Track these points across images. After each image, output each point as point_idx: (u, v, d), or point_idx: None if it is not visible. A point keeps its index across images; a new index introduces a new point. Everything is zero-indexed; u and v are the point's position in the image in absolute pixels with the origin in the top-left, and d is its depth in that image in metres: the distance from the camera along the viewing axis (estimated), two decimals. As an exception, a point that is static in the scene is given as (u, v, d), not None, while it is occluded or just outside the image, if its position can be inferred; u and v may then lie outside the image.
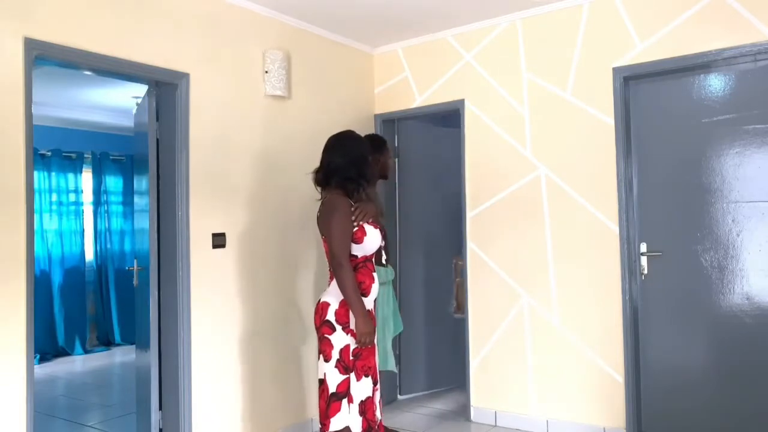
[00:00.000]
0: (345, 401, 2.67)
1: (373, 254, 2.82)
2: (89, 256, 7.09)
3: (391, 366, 3.57)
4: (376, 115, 4.65)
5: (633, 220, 3.61)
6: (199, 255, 3.38)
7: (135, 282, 3.65)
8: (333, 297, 2.73)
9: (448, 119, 4.62)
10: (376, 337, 2.80)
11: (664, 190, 3.56)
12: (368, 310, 2.73)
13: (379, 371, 3.53)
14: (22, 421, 2.65)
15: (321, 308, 2.75)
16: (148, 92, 3.39)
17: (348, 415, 2.67)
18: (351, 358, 2.68)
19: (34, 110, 2.74)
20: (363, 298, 2.70)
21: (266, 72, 3.76)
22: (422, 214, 4.78)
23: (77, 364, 6.36)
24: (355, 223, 2.72)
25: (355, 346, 2.68)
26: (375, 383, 2.79)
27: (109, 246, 7.21)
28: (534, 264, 3.91)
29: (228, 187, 3.55)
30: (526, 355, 3.94)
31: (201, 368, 3.37)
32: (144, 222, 3.50)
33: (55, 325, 6.59)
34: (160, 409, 3.35)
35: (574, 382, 3.75)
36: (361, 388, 2.70)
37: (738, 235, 3.34)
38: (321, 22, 4.07)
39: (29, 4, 2.72)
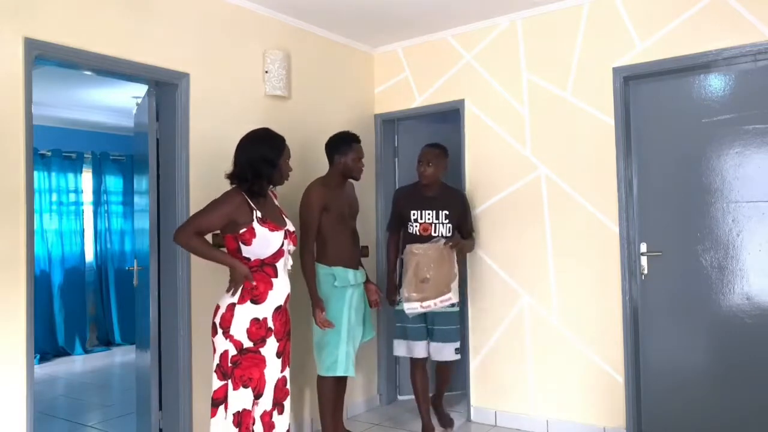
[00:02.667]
0: (222, 408, 2.60)
1: (273, 258, 2.67)
2: (89, 256, 7.09)
3: (350, 372, 3.41)
4: (376, 115, 4.65)
5: (633, 220, 3.61)
6: (199, 255, 3.38)
7: (135, 282, 3.65)
8: (223, 300, 2.66)
9: (447, 115, 4.61)
10: (284, 349, 2.69)
11: (664, 190, 3.56)
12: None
13: (327, 376, 3.41)
14: (22, 421, 2.64)
15: (214, 311, 2.69)
16: (148, 92, 3.39)
17: (223, 422, 2.59)
18: (229, 365, 2.59)
19: (34, 110, 2.74)
20: (256, 306, 2.62)
21: (266, 72, 3.76)
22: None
23: (77, 364, 6.36)
24: (247, 225, 2.60)
25: (234, 353, 2.59)
26: (257, 397, 2.63)
27: (109, 246, 7.21)
28: (534, 264, 3.91)
29: (228, 186, 3.53)
30: (526, 355, 3.93)
31: (201, 368, 3.36)
32: (144, 222, 3.50)
33: (55, 325, 6.58)
34: (160, 409, 3.35)
35: (574, 382, 3.75)
36: (238, 398, 2.59)
37: (738, 235, 3.34)
38: (321, 22, 4.07)
39: (29, 4, 2.72)
